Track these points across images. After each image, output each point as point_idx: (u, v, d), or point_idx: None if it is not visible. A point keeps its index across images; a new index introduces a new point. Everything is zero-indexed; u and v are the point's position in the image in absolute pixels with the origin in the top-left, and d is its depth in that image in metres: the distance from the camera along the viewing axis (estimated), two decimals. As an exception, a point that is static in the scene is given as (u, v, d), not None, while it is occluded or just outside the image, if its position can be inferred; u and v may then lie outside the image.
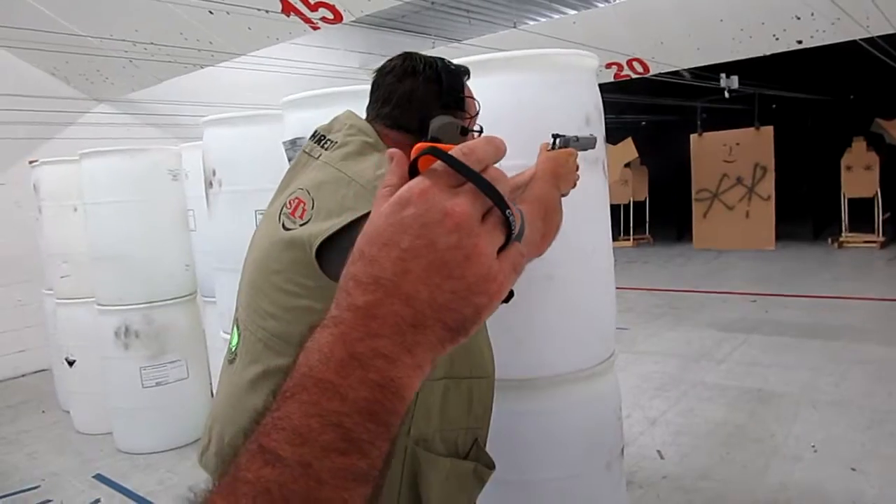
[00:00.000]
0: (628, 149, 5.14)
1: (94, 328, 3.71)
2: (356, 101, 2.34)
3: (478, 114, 1.34)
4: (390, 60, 1.28)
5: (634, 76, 7.23)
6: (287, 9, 4.15)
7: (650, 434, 3.49)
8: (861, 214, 8.65)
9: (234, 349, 1.16)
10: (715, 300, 6.71)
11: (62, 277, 3.98)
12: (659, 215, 11.03)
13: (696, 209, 5.05)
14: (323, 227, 1.02)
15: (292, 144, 2.25)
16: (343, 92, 2.28)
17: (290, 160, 2.35)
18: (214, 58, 5.27)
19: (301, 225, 1.06)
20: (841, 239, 8.75)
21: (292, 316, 1.04)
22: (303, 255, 1.02)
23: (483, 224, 0.41)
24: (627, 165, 10.81)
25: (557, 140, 1.51)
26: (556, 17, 8.05)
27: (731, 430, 3.50)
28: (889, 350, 4.51)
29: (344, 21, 4.15)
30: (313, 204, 1.07)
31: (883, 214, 8.42)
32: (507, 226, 0.42)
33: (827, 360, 4.45)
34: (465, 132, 1.25)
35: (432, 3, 8.01)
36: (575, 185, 1.52)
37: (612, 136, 10.13)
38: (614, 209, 11.09)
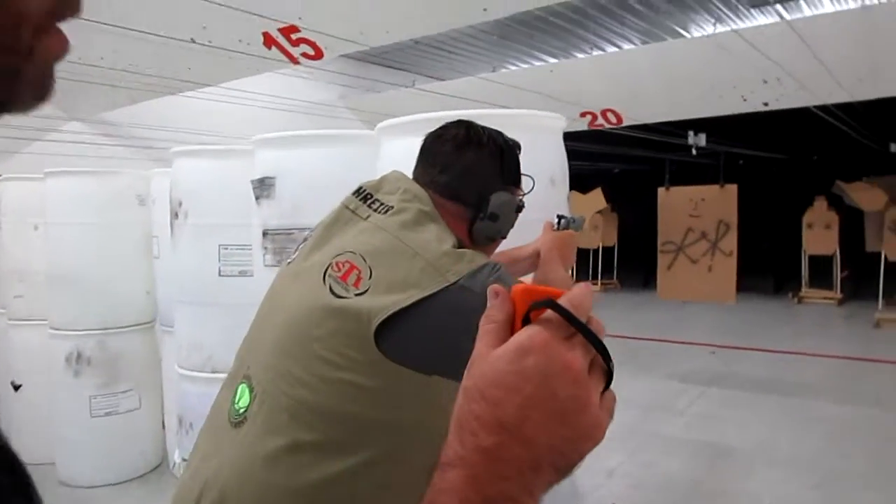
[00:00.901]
0: (597, 198, 5.23)
1: (44, 352, 3.60)
2: (331, 145, 2.36)
3: (531, 190, 1.34)
4: (448, 127, 1.24)
5: (608, 126, 7.40)
6: (269, 42, 4.17)
7: (608, 486, 3.48)
8: (821, 271, 8.90)
9: (241, 411, 1.05)
10: (676, 350, 6.78)
11: (15, 297, 3.87)
12: (627, 261, 11.20)
13: (662, 260, 5.14)
14: (385, 303, 0.97)
15: (261, 183, 2.24)
16: (318, 136, 2.29)
17: (257, 199, 2.34)
18: (193, 85, 5.26)
19: (357, 294, 0.99)
20: (801, 294, 8.97)
21: (330, 388, 0.98)
22: (356, 328, 0.97)
23: (591, 374, 0.46)
24: (599, 213, 11.01)
25: (562, 221, 1.59)
26: (538, 64, 8.26)
27: (688, 484, 3.51)
28: (842, 409, 4.59)
29: (325, 58, 4.18)
30: (371, 273, 1.01)
31: (841, 272, 8.67)
32: (609, 375, 0.47)
33: (783, 416, 4.52)
34: (519, 210, 1.25)
35: (416, 42, 8.15)
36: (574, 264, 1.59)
37: (585, 184, 10.37)
38: (583, 253, 11.27)
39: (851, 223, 8.45)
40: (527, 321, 0.47)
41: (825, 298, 8.72)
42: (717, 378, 5.61)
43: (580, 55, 7.31)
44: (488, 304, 0.50)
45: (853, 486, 3.37)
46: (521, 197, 1.29)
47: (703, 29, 7.41)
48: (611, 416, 0.48)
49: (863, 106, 6.36)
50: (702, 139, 5.74)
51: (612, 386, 0.49)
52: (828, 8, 6.77)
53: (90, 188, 3.53)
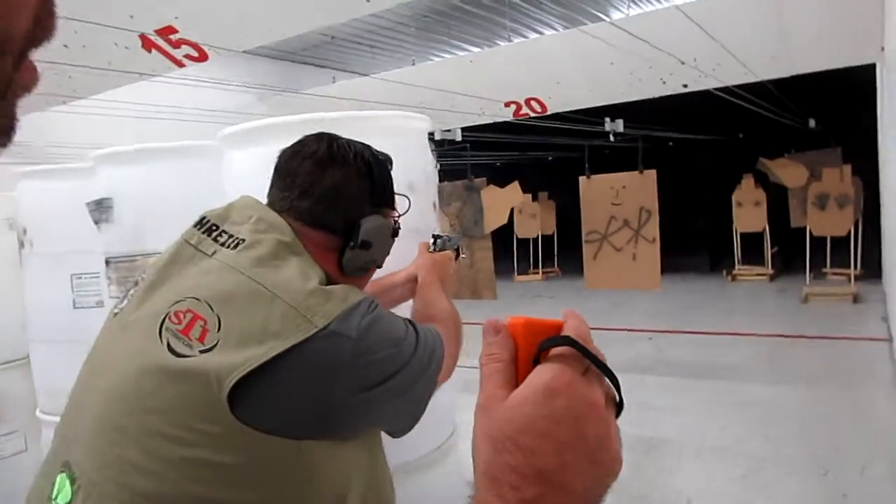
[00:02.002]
0: (514, 192, 5.11)
1: None
2: (174, 159, 2.11)
3: (407, 211, 1.18)
4: (306, 142, 1.06)
5: (533, 115, 7.29)
6: (148, 45, 3.87)
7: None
8: (752, 248, 9.03)
9: None
10: (615, 338, 6.74)
11: None
12: (568, 248, 11.20)
13: (587, 251, 5.04)
14: (238, 359, 0.80)
15: (97, 205, 1.99)
16: (158, 150, 2.04)
17: (96, 223, 2.07)
18: (77, 92, 4.90)
19: (203, 351, 0.82)
20: (734, 272, 9.09)
21: (176, 472, 0.78)
22: (204, 393, 0.79)
23: (608, 408, 0.46)
24: (536, 202, 10.97)
25: (438, 241, 1.45)
26: (461, 54, 8.08)
27: (615, 486, 3.41)
28: (769, 390, 4.59)
29: (209, 60, 3.91)
30: (219, 323, 0.83)
31: (771, 248, 8.81)
32: (619, 406, 0.48)
33: (713, 402, 4.48)
34: (395, 234, 1.11)
35: (332, 38, 7.87)
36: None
37: (517, 174, 10.28)
38: (524, 242, 11.23)
39: (778, 201, 8.59)
40: (536, 356, 0.46)
41: (757, 275, 8.86)
42: (653, 365, 5.57)
43: (502, 43, 7.18)
44: (485, 340, 0.48)
45: (777, 474, 3.32)
46: (396, 219, 1.14)
47: (622, 12, 7.37)
48: (621, 447, 0.48)
49: (779, 84, 6.40)
50: (619, 125, 5.68)
51: None
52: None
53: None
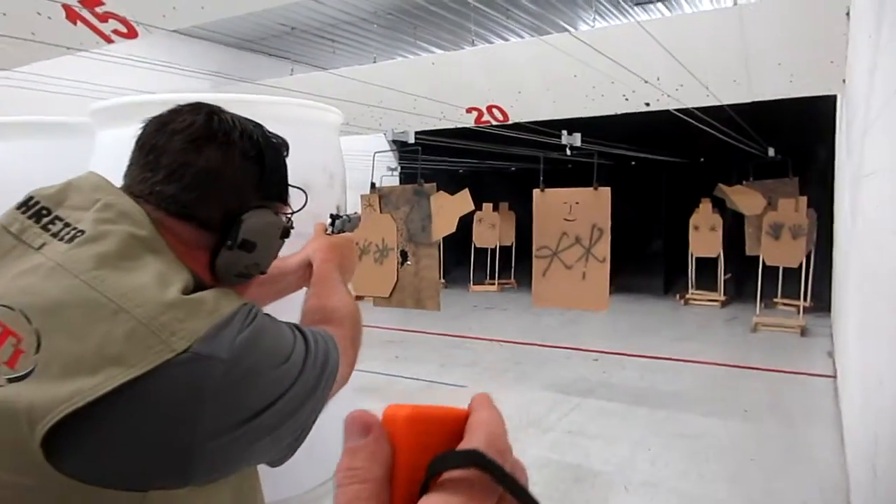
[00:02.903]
0: (464, 200, 4.91)
1: None
2: (39, 136, 1.84)
3: (304, 207, 0.95)
4: (181, 111, 0.82)
5: (495, 123, 7.12)
6: (72, 16, 3.56)
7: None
8: (706, 273, 9.00)
9: None
10: (560, 356, 6.59)
11: None
12: (526, 260, 11.06)
13: (537, 266, 4.86)
14: (61, 393, 0.61)
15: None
16: (20, 124, 1.78)
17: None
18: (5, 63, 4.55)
19: (13, 379, 0.62)
20: (687, 296, 9.04)
21: None
22: (11, 435, 0.61)
23: None
24: (496, 212, 10.80)
25: (336, 221, 1.25)
26: (424, 55, 7.88)
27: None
28: (709, 422, 4.45)
29: (139, 36, 3.62)
30: (38, 343, 0.63)
31: (725, 275, 8.79)
32: None
33: (650, 432, 4.32)
34: (285, 234, 0.89)
35: (292, 28, 7.59)
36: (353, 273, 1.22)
37: (479, 183, 10.12)
38: (481, 252, 11.06)
39: (734, 227, 8.57)
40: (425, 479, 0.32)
41: (709, 300, 8.82)
42: (595, 388, 5.41)
43: (467, 47, 7.01)
44: (347, 444, 0.33)
45: (706, 516, 3.16)
46: (287, 216, 0.92)
47: (588, 24, 7.25)
48: None
49: (741, 110, 6.34)
50: (576, 139, 5.53)
51: None
52: (706, 7, 6.75)
53: None
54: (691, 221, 8.75)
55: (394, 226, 4.99)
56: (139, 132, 0.83)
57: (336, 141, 1.69)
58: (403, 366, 6.12)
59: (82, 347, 0.63)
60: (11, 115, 5.13)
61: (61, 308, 0.65)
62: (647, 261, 10.49)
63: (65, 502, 0.62)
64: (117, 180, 0.84)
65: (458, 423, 0.35)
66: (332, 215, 1.29)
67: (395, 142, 9.07)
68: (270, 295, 1.14)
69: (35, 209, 0.74)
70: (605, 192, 4.73)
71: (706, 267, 8.96)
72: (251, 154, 0.83)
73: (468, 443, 0.34)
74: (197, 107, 0.83)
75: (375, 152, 5.33)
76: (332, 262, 1.14)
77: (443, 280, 10.39)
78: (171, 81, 6.20)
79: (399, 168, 10.03)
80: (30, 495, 0.61)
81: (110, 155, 1.45)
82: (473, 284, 10.99)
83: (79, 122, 1.73)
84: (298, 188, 0.95)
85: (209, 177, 0.79)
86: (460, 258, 11.31)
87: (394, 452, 0.33)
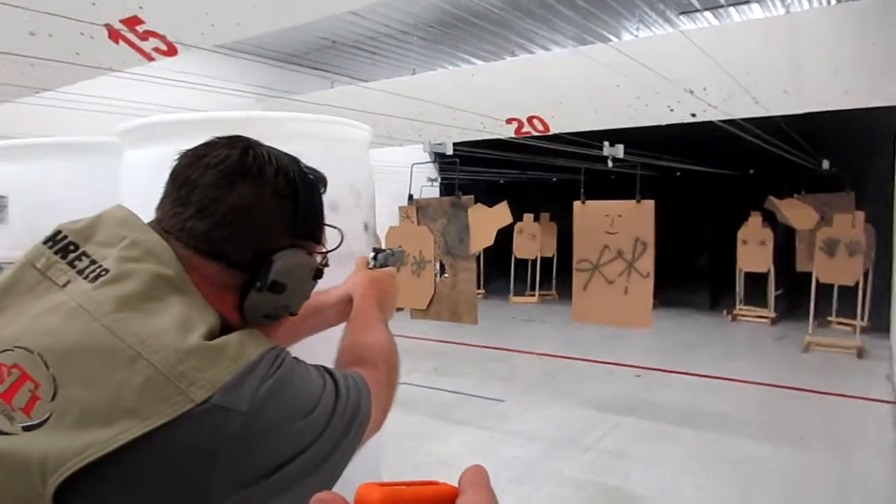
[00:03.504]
0: (503, 213, 4.85)
1: None
2: (72, 156, 1.86)
3: (339, 246, 0.92)
4: (216, 145, 0.80)
5: (535, 134, 7.03)
6: (114, 35, 3.65)
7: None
8: (756, 288, 8.69)
9: None
10: (600, 371, 6.43)
11: None
12: (567, 272, 10.89)
13: (577, 280, 4.76)
14: (75, 445, 0.59)
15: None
16: (56, 145, 1.80)
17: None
18: (46, 84, 4.70)
19: (28, 428, 0.60)
20: (735, 311, 8.75)
21: None
22: (22, 486, 0.59)
23: None
24: (536, 222, 10.69)
25: (379, 255, 1.23)
26: (464, 66, 7.86)
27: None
28: (757, 447, 4.25)
29: (178, 54, 3.68)
30: (54, 390, 0.62)
31: (776, 291, 8.47)
32: None
33: (695, 455, 4.16)
34: (318, 276, 0.85)
35: (333, 42, 7.67)
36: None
37: (519, 194, 10.01)
38: (521, 264, 10.93)
39: (785, 241, 8.25)
40: None
41: (759, 317, 8.51)
42: (636, 406, 5.25)
43: (508, 57, 6.95)
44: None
45: (753, 549, 3.00)
46: (322, 256, 0.88)
47: (633, 34, 7.11)
48: None
49: (793, 122, 6.12)
50: (619, 150, 5.40)
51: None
52: (757, 14, 6.54)
53: None
54: (739, 235, 8.46)
55: (431, 238, 4.96)
56: (173, 165, 0.81)
57: (365, 158, 1.65)
58: (442, 378, 6.06)
59: (98, 396, 0.61)
60: (51, 133, 5.30)
61: (78, 353, 0.63)
62: (692, 275, 10.19)
63: None
64: (143, 202, 0.82)
65: (437, 499, 0.33)
66: (374, 248, 1.26)
67: (434, 153, 9.08)
68: (308, 328, 1.12)
69: (62, 244, 0.72)
70: (649, 204, 4.60)
71: (754, 283, 8.66)
72: (285, 192, 0.80)
73: None
74: (234, 140, 0.81)
75: (413, 164, 5.32)
76: (371, 298, 1.10)
77: (482, 290, 10.32)
78: (209, 98, 6.32)
79: (439, 179, 10.01)
80: None
81: (137, 177, 1.45)
82: (513, 296, 10.87)
83: (110, 141, 1.75)
84: (334, 227, 0.91)
85: (240, 214, 0.76)
86: (501, 269, 11.20)
87: None
